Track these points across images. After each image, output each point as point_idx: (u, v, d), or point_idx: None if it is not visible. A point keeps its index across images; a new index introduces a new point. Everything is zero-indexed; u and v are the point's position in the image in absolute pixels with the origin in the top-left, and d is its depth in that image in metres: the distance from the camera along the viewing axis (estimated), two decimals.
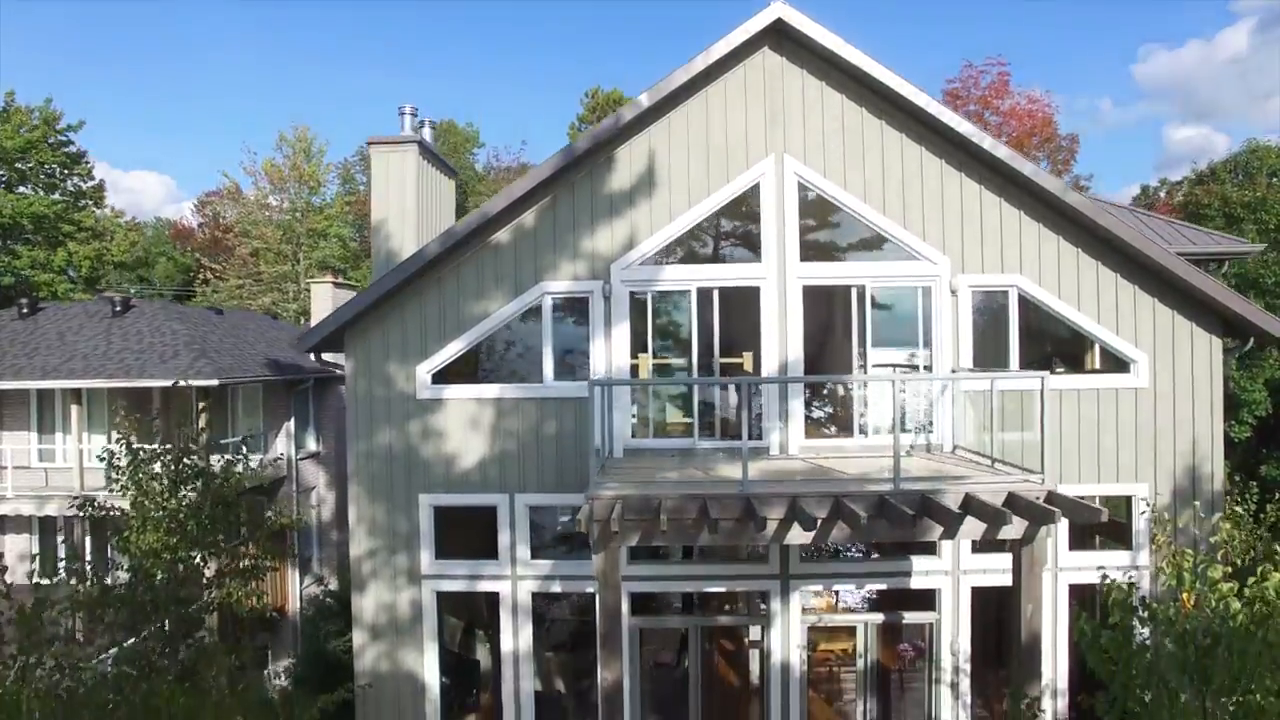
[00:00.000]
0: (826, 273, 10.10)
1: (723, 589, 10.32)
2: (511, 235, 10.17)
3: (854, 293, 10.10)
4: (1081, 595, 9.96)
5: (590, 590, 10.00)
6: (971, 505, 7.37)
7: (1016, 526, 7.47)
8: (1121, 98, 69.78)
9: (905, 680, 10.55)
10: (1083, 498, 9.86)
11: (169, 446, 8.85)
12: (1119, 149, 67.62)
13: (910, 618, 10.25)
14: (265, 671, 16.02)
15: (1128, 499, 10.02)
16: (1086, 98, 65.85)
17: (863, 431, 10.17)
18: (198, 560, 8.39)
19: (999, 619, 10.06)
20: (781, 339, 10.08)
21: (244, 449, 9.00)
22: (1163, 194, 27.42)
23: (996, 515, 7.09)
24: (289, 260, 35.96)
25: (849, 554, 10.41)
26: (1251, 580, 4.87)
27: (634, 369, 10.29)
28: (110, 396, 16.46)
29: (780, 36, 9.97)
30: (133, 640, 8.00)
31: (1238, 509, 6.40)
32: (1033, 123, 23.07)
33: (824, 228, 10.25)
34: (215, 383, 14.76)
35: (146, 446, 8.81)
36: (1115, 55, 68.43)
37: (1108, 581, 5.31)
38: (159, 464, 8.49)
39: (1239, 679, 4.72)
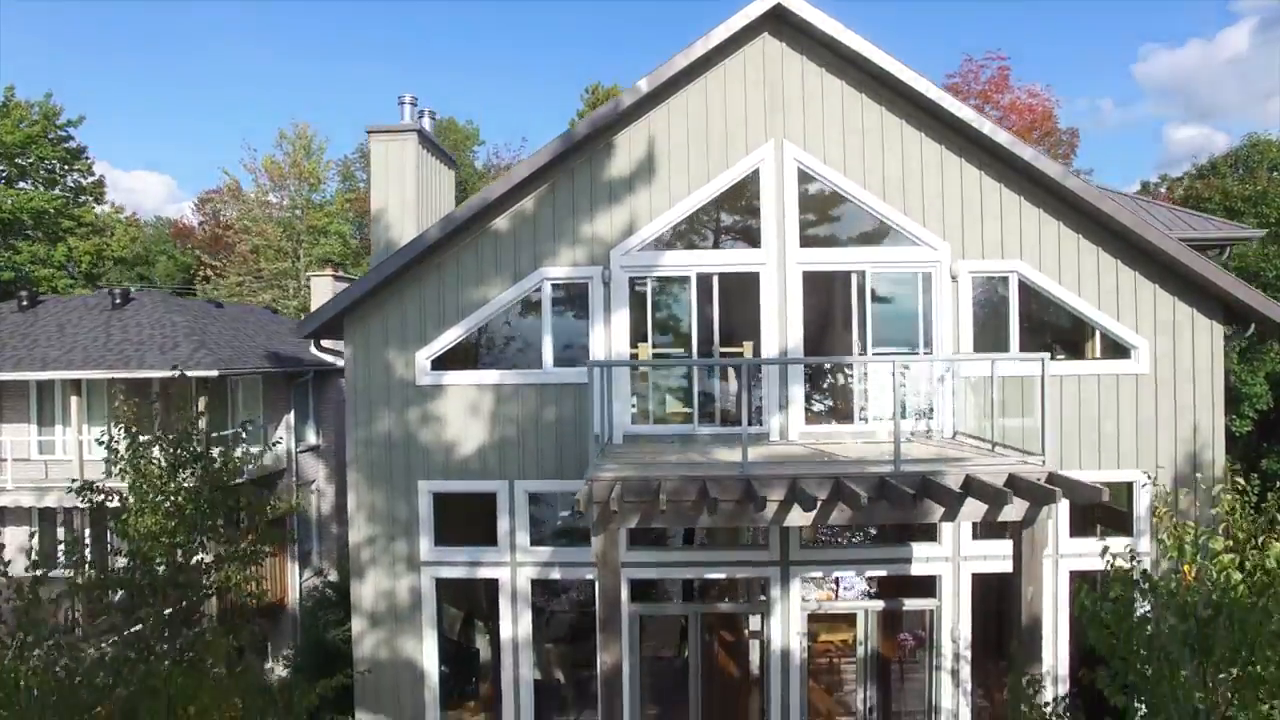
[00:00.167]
0: (826, 258, 10.08)
1: (722, 576, 10.29)
2: (511, 221, 10.16)
3: (854, 279, 10.08)
4: (1083, 581, 9.93)
5: (590, 577, 9.98)
6: (972, 486, 7.35)
7: (1017, 508, 7.46)
8: (1122, 98, 69.83)
9: (905, 670, 10.52)
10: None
11: (169, 434, 8.81)
12: (1120, 149, 67.62)
13: (910, 604, 10.23)
14: (266, 666, 16.01)
15: (1129, 485, 10.00)
16: (1087, 98, 65.86)
17: (863, 419, 10.15)
18: (197, 544, 8.37)
19: (999, 610, 10.05)
20: (781, 327, 10.06)
21: (243, 433, 8.97)
22: (1163, 189, 27.41)
23: (997, 495, 7.07)
24: (289, 257, 35.96)
25: (849, 540, 10.39)
26: (1253, 552, 4.85)
27: (634, 359, 10.28)
28: (110, 388, 16.45)
29: (780, 22, 9.96)
30: (132, 626, 7.99)
31: (1239, 480, 6.36)
32: (1033, 117, 23.07)
33: (824, 214, 10.24)
34: (215, 373, 14.74)
35: (145, 436, 8.78)
36: (1116, 55, 68.45)
37: (1109, 556, 5.29)
38: (158, 448, 8.45)
39: (1240, 650, 4.70)
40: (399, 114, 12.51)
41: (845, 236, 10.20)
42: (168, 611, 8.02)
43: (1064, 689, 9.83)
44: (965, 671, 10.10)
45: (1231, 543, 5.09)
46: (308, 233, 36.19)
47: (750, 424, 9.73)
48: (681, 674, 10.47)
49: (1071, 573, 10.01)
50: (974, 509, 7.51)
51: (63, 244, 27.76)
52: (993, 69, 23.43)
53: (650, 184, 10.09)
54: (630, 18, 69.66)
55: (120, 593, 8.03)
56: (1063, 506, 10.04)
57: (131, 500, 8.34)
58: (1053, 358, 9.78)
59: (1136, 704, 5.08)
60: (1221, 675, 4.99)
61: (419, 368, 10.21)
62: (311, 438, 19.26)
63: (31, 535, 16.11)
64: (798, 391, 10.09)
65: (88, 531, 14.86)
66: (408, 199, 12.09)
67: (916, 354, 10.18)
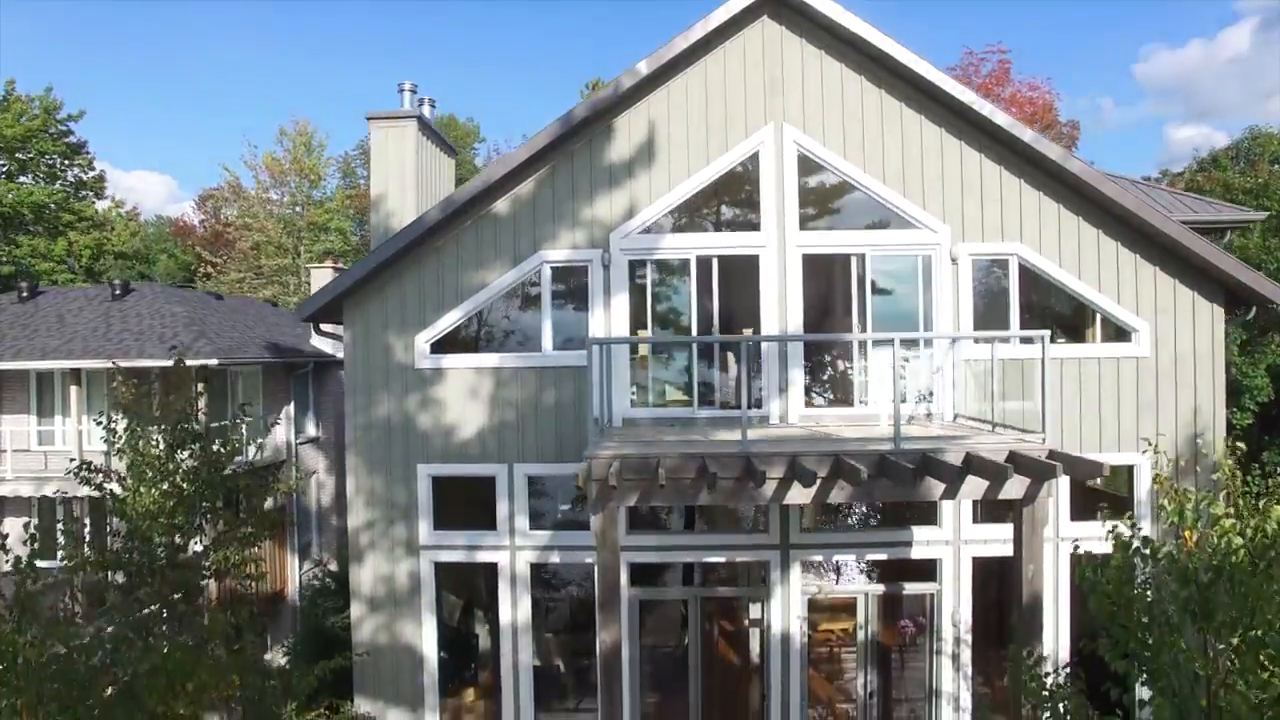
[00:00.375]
0: (826, 241, 10.06)
1: (722, 559, 10.27)
2: (510, 204, 10.14)
3: (854, 262, 10.06)
4: (1087, 553, 9.88)
5: (589, 561, 9.95)
6: (972, 463, 7.32)
7: (1018, 485, 7.44)
8: (1123, 98, 69.81)
9: (906, 656, 10.49)
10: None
11: (168, 414, 8.79)
12: (1120, 148, 67.62)
13: (911, 588, 10.20)
14: (266, 656, 15.98)
15: (1129, 469, 9.97)
16: (1088, 97, 65.84)
17: (863, 403, 10.13)
18: (196, 525, 8.35)
19: (999, 600, 10.02)
20: (781, 312, 10.04)
21: (242, 413, 8.94)
22: (1164, 184, 27.41)
23: (998, 471, 7.05)
24: (289, 253, 35.97)
25: (849, 524, 10.37)
26: (1254, 518, 4.83)
27: (633, 349, 10.25)
28: (109, 376, 16.44)
29: (779, 5, 9.95)
30: (131, 607, 7.98)
31: (1239, 445, 6.33)
32: (1033, 109, 23.06)
33: (823, 196, 10.22)
34: (214, 362, 14.73)
35: (143, 417, 8.77)
36: (1117, 55, 68.44)
37: (1109, 524, 5.27)
38: (156, 429, 8.43)
39: (1241, 615, 4.67)
40: (399, 102, 12.51)
41: (845, 219, 10.18)
42: (167, 594, 8.02)
43: (1064, 676, 9.79)
44: (966, 656, 10.07)
45: (1233, 510, 5.06)
46: (308, 229, 36.20)
47: (750, 407, 9.70)
48: (681, 663, 10.43)
49: (1072, 556, 9.96)
50: (975, 486, 7.49)
51: (63, 238, 27.78)
52: (993, 62, 23.46)
53: (650, 167, 10.07)
54: (631, 15, 69.75)
55: (119, 574, 8.03)
56: (1063, 491, 10.04)
57: (130, 481, 8.33)
58: (1053, 340, 9.77)
59: (1137, 671, 5.06)
60: (1222, 646, 4.97)
61: (418, 351, 10.19)
62: (311, 430, 19.25)
63: (32, 538, 16.04)
64: (797, 375, 10.07)
65: (87, 522, 14.83)
66: (407, 185, 12.08)
67: (917, 341, 10.15)
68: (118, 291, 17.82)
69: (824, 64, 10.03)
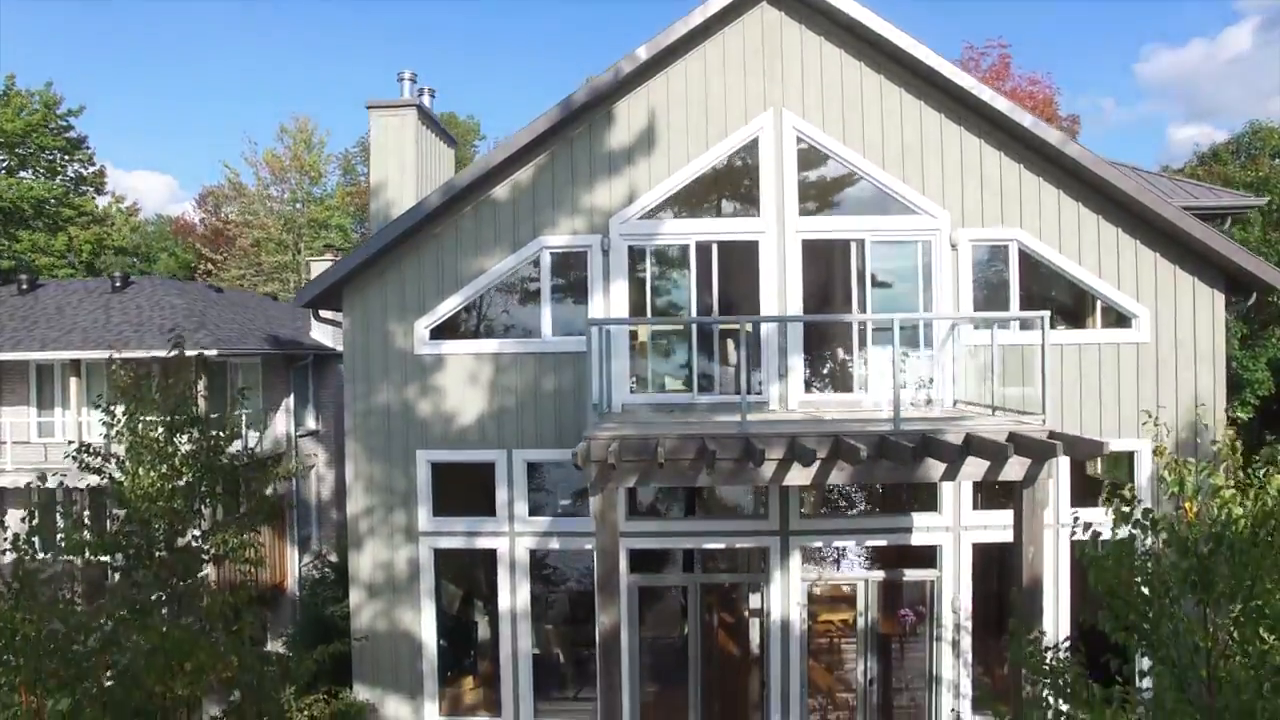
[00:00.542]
0: (825, 226, 10.05)
1: (722, 545, 10.25)
2: (510, 191, 10.13)
3: (853, 248, 10.04)
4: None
5: (589, 548, 9.93)
6: (972, 443, 7.30)
7: (1018, 466, 7.43)
8: (1124, 97, 69.78)
9: (906, 645, 10.45)
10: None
11: (167, 398, 8.78)
12: (1121, 147, 67.62)
13: (911, 575, 10.18)
14: (266, 648, 15.96)
15: (1130, 454, 9.96)
16: (1089, 97, 65.81)
17: (863, 389, 10.11)
18: (196, 508, 8.34)
19: (999, 591, 9.99)
20: (781, 298, 10.02)
21: (241, 398, 8.94)
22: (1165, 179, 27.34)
23: (998, 451, 7.03)
24: (290, 250, 35.98)
25: (849, 511, 10.36)
26: (1255, 487, 4.82)
27: (632, 335, 10.24)
28: (109, 366, 16.44)
29: None
30: (130, 588, 7.96)
31: (1240, 414, 6.32)
32: (1033, 104, 23.03)
33: (823, 182, 10.21)
34: (214, 353, 14.73)
35: (142, 413, 8.74)
36: (1118, 55, 68.44)
37: (1110, 491, 5.26)
38: (155, 412, 8.42)
39: (1241, 584, 4.66)
40: (399, 92, 12.48)
41: (844, 205, 10.18)
42: (165, 576, 8.00)
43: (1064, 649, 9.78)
44: (966, 643, 10.05)
45: (1233, 483, 5.04)
46: (308, 226, 36.21)
47: (749, 392, 9.68)
48: (681, 654, 10.41)
49: (1074, 543, 9.95)
50: (975, 468, 7.48)
51: (63, 234, 27.79)
52: (994, 56, 23.49)
53: (649, 152, 10.07)
54: (633, 11, 69.77)
55: (118, 556, 8.01)
56: (1064, 477, 10.01)
57: (129, 464, 8.31)
58: (1053, 326, 9.76)
59: (1137, 643, 5.04)
60: (1222, 623, 4.95)
61: (418, 337, 10.19)
62: (311, 422, 19.24)
63: (31, 528, 16.01)
64: (797, 362, 10.06)
65: (86, 515, 14.79)
66: (407, 174, 12.06)
67: (917, 322, 10.13)
68: (117, 284, 17.83)
69: (823, 50, 10.02)
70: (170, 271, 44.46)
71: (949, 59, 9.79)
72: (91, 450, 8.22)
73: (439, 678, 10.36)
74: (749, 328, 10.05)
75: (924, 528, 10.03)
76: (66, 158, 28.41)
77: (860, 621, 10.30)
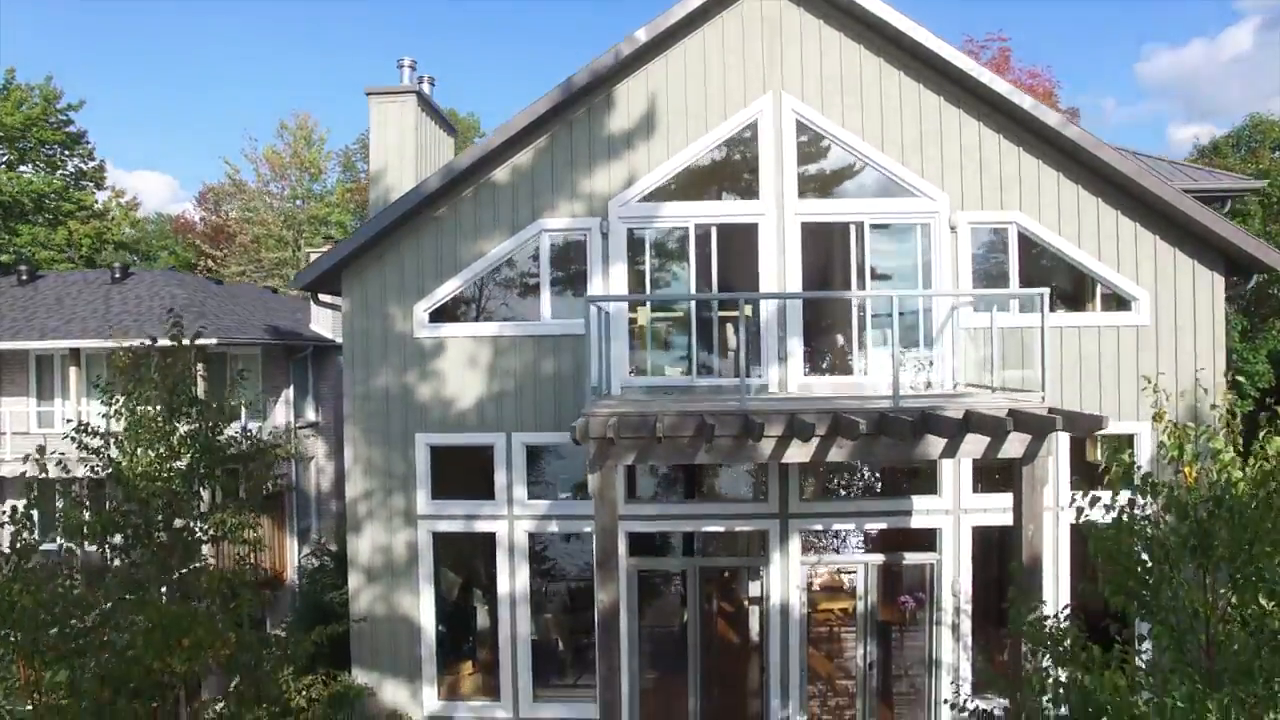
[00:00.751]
0: (825, 209, 10.05)
1: (721, 529, 10.24)
2: (509, 174, 10.13)
3: (853, 232, 10.03)
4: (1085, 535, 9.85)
5: (588, 530, 9.91)
6: (972, 420, 7.28)
7: (1018, 443, 7.43)
8: (1125, 97, 69.76)
9: (905, 630, 10.43)
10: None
11: (166, 379, 8.77)
12: (1122, 146, 67.33)
13: (911, 558, 10.16)
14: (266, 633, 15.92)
15: (1130, 437, 9.94)
16: (1090, 97, 65.80)
17: (863, 372, 10.10)
18: (195, 489, 8.34)
19: (999, 577, 9.97)
20: (780, 282, 10.01)
21: (240, 380, 8.92)
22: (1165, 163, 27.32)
23: (998, 426, 7.02)
24: (290, 246, 36.00)
25: (849, 494, 10.34)
26: (1255, 446, 4.81)
27: (631, 323, 10.23)
28: (109, 356, 16.44)
29: None
30: (128, 567, 7.96)
31: (1240, 379, 6.30)
32: (1033, 96, 23.01)
33: (822, 165, 10.21)
34: (214, 342, 14.72)
35: (141, 393, 8.73)
36: (1119, 54, 68.43)
37: (1109, 453, 5.25)
38: (154, 390, 8.41)
39: (1240, 546, 4.65)
40: (399, 79, 12.46)
41: (844, 188, 10.17)
42: (164, 557, 7.99)
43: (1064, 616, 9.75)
44: (965, 626, 10.03)
45: (1232, 450, 5.03)
46: (308, 222, 36.22)
47: (749, 373, 9.67)
48: (681, 642, 10.37)
49: (1072, 526, 9.93)
50: (975, 445, 7.47)
51: (63, 228, 27.80)
52: (994, 50, 23.49)
53: (649, 135, 10.06)
54: (635, 10, 69.87)
55: (117, 536, 7.99)
56: (1064, 462, 9.99)
57: (127, 445, 8.30)
58: (1052, 309, 9.75)
59: (1136, 609, 5.03)
60: (1222, 591, 4.94)
61: (417, 320, 10.18)
62: (311, 414, 19.23)
63: (29, 514, 16.03)
64: (796, 345, 10.04)
65: (85, 494, 14.78)
66: (406, 160, 12.04)
67: (916, 309, 10.12)
68: (117, 275, 17.84)
69: (822, 33, 10.02)
70: (170, 269, 44.52)
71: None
72: (90, 430, 8.22)
73: (437, 662, 10.34)
74: (749, 311, 10.05)
75: (923, 510, 10.02)
76: (66, 152, 28.43)
77: (860, 606, 10.28)
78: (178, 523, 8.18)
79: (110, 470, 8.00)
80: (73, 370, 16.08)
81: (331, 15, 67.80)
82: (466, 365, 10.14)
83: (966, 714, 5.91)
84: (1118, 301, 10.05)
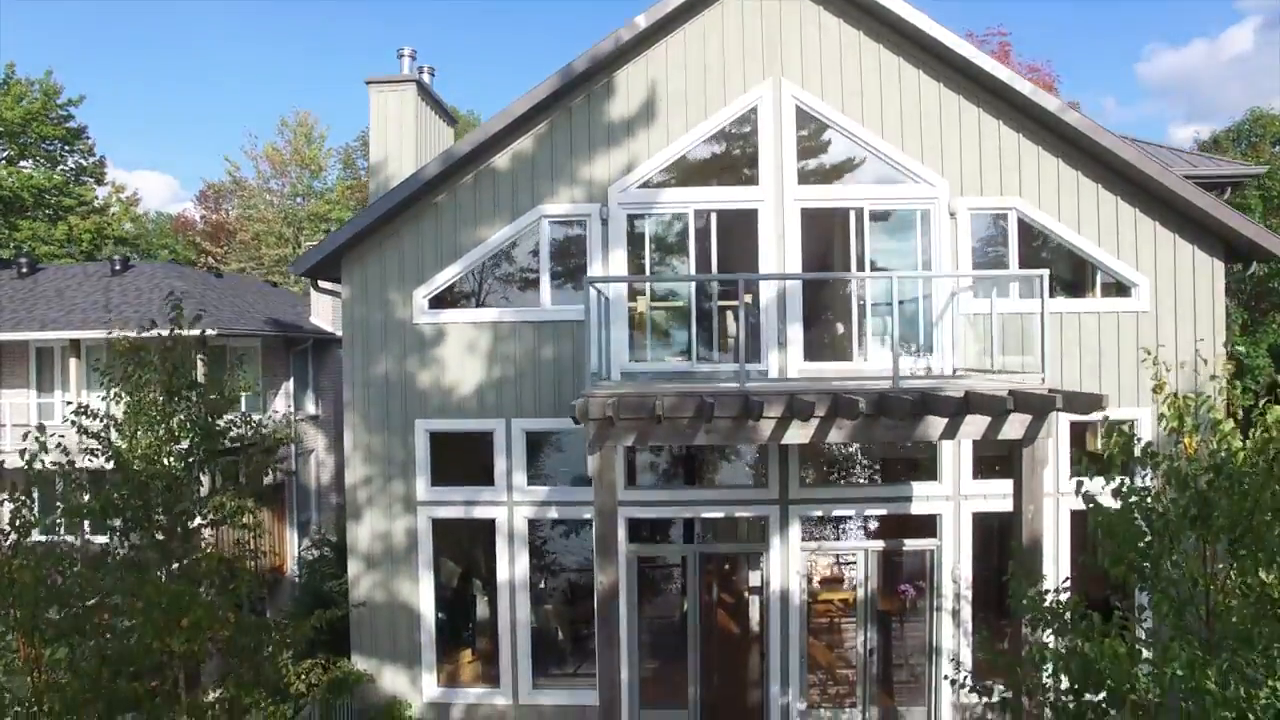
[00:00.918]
0: (824, 195, 10.05)
1: (721, 515, 10.23)
2: (509, 160, 10.13)
3: (852, 218, 10.02)
4: (1084, 519, 9.82)
5: (587, 517, 9.92)
6: (972, 400, 7.26)
7: (1018, 424, 7.42)
8: (1126, 97, 69.75)
9: (906, 618, 10.41)
10: (1086, 421, 9.85)
11: (166, 363, 8.76)
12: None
13: (911, 545, 10.15)
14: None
15: (1131, 423, 9.86)
16: (1090, 96, 65.81)
17: (863, 358, 10.09)
18: (194, 469, 8.34)
19: (999, 566, 9.95)
20: (780, 268, 10.00)
21: (239, 363, 8.92)
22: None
23: (998, 405, 7.01)
24: (290, 243, 36.02)
25: (849, 479, 10.33)
26: (1255, 414, 4.81)
27: (631, 312, 10.22)
28: (109, 347, 16.43)
29: None
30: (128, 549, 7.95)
31: (1239, 348, 6.30)
32: None
33: (822, 151, 10.21)
34: (214, 332, 14.68)
35: (141, 375, 8.73)
36: (1119, 54, 68.43)
37: (1110, 424, 5.25)
38: (154, 372, 8.41)
39: (1240, 514, 4.64)
40: (399, 69, 12.47)
41: (843, 174, 10.17)
42: (163, 541, 7.99)
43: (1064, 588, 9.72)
44: (966, 612, 10.02)
45: (1232, 421, 5.03)
46: (309, 219, 36.24)
47: (748, 357, 9.66)
48: (680, 629, 10.36)
49: (1072, 512, 9.93)
50: (975, 426, 7.46)
51: (63, 223, 27.81)
52: (994, 44, 23.45)
53: (649, 121, 10.06)
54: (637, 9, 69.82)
55: (117, 519, 7.99)
56: (1064, 448, 9.98)
57: (126, 428, 8.30)
58: (1052, 295, 9.73)
59: (1137, 579, 5.02)
60: (1221, 566, 4.93)
61: (417, 306, 10.18)
62: (311, 407, 19.23)
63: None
64: (796, 332, 10.04)
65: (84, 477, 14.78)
66: (406, 149, 12.04)
67: (915, 295, 10.12)
68: (117, 267, 17.83)
69: (822, 19, 10.02)
70: None
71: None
72: (90, 412, 8.21)
73: (437, 649, 10.34)
74: (748, 298, 10.05)
75: (924, 497, 10.01)
76: (67, 148, 28.44)
77: (860, 592, 10.26)
78: (177, 507, 8.19)
79: (110, 454, 8.00)
80: (73, 361, 16.08)
81: (331, 14, 67.85)
82: (466, 351, 10.14)
83: (966, 689, 5.89)
84: (1118, 288, 10.05)
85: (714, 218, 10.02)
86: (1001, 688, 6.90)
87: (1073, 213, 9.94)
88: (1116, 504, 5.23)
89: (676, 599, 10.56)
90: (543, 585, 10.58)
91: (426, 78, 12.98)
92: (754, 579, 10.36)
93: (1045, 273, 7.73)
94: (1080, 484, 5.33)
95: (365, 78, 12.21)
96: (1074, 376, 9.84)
